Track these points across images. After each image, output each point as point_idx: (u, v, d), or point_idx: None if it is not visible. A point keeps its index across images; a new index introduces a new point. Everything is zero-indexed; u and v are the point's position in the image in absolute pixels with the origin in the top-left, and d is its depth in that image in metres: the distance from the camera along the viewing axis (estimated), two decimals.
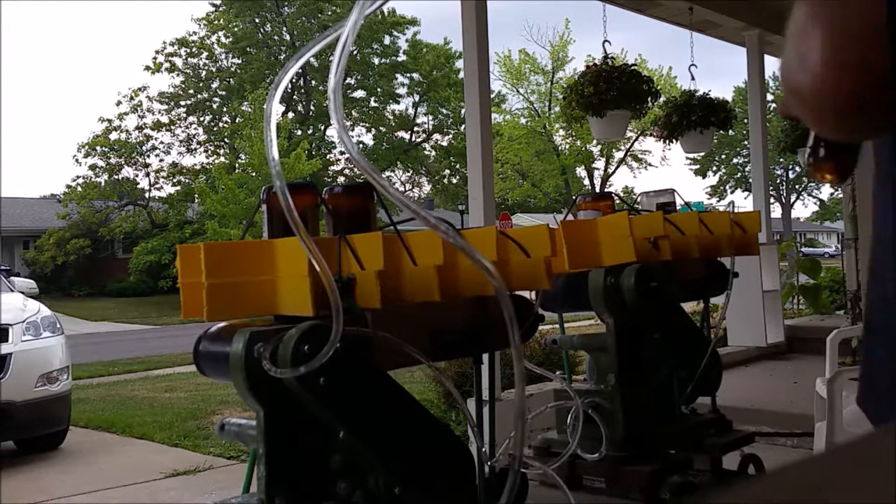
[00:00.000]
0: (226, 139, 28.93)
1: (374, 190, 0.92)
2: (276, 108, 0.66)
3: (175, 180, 28.53)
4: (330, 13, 28.98)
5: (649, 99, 4.99)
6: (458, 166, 31.03)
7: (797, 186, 44.13)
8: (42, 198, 30.69)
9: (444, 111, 32.17)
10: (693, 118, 5.61)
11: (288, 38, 30.38)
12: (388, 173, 28.86)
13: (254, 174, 21.68)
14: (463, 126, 20.28)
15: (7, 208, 24.79)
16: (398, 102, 32.35)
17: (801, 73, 0.66)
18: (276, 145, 0.65)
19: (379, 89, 31.20)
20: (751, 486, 0.55)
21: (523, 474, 1.01)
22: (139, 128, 28.25)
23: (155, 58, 29.24)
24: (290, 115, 29.50)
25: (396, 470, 0.83)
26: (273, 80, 0.66)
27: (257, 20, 30.49)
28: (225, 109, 29.80)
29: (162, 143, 28.81)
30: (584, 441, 1.67)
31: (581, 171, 33.55)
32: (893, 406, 0.77)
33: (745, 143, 30.69)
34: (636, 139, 30.65)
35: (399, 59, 31.29)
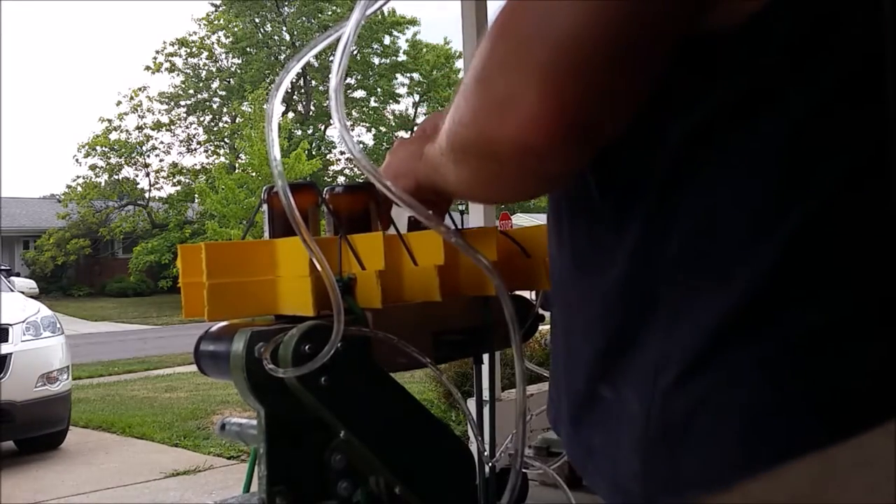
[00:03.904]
0: (226, 139, 28.93)
1: (376, 190, 0.92)
2: (278, 108, 0.67)
3: (175, 180, 28.52)
4: (330, 13, 28.97)
5: None
6: None
7: None
8: (42, 198, 30.69)
9: None
10: None
11: (288, 38, 30.37)
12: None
13: (254, 174, 21.68)
14: None
15: (7, 208, 24.79)
16: (398, 102, 32.36)
17: (500, 118, 0.53)
18: (277, 145, 0.65)
19: (379, 89, 31.19)
20: (751, 486, 0.55)
21: (524, 474, 1.01)
22: (139, 128, 28.26)
23: (155, 58, 29.24)
24: (291, 115, 29.49)
25: (397, 470, 0.83)
26: (273, 81, 0.66)
27: (257, 20, 30.47)
28: (225, 109, 29.79)
29: (162, 143, 28.82)
30: None
31: None
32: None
33: None
34: None
35: (399, 59, 31.28)
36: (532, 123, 0.51)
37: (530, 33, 0.51)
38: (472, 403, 1.09)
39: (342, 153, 29.74)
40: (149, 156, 28.38)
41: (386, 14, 29.33)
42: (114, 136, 27.60)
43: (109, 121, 27.67)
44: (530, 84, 0.51)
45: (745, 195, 0.54)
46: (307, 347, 0.76)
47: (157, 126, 28.60)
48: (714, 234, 0.55)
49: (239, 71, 30.31)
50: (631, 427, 0.58)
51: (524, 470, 1.01)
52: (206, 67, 30.49)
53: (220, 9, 29.98)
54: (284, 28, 30.62)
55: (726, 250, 0.54)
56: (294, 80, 26.60)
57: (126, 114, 27.98)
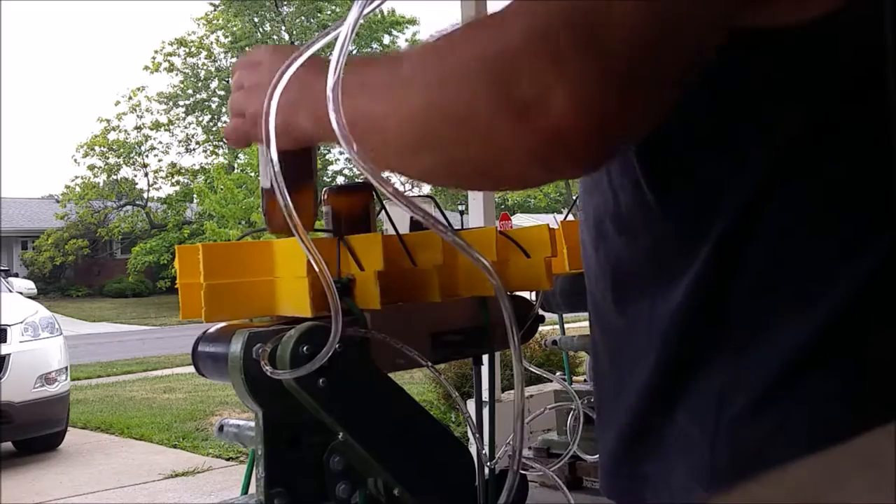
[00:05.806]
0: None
1: (374, 190, 0.92)
2: (275, 108, 0.66)
3: (174, 180, 28.53)
4: (329, 13, 28.97)
5: None
6: None
7: None
8: (40, 198, 30.66)
9: None
10: None
11: (287, 37, 30.34)
12: (386, 173, 28.71)
13: (253, 174, 21.67)
14: None
15: (5, 209, 24.77)
16: None
17: (514, 121, 0.45)
18: (275, 145, 0.64)
19: None
20: (751, 486, 0.54)
21: (524, 476, 1.01)
22: (138, 128, 28.27)
23: (153, 57, 29.23)
24: None
25: (396, 471, 0.83)
26: (271, 80, 0.66)
27: (256, 19, 30.46)
28: (224, 109, 29.76)
29: (160, 143, 28.84)
30: (585, 442, 1.67)
31: None
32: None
33: None
34: None
35: None
36: (558, 134, 0.44)
37: (571, 30, 0.43)
38: (471, 404, 1.09)
39: (341, 153, 29.72)
40: (147, 156, 28.40)
41: (385, 13, 29.33)
42: (112, 136, 27.61)
43: (108, 121, 27.69)
44: (565, 89, 0.43)
45: (831, 217, 0.51)
46: (305, 349, 0.75)
47: (156, 126, 28.60)
48: (796, 258, 0.52)
49: None
50: (688, 455, 0.55)
51: (524, 471, 1.01)
52: (205, 67, 30.47)
53: (219, 8, 29.96)
54: (283, 27, 30.60)
55: (808, 275, 0.52)
56: None
57: (124, 114, 28.01)
